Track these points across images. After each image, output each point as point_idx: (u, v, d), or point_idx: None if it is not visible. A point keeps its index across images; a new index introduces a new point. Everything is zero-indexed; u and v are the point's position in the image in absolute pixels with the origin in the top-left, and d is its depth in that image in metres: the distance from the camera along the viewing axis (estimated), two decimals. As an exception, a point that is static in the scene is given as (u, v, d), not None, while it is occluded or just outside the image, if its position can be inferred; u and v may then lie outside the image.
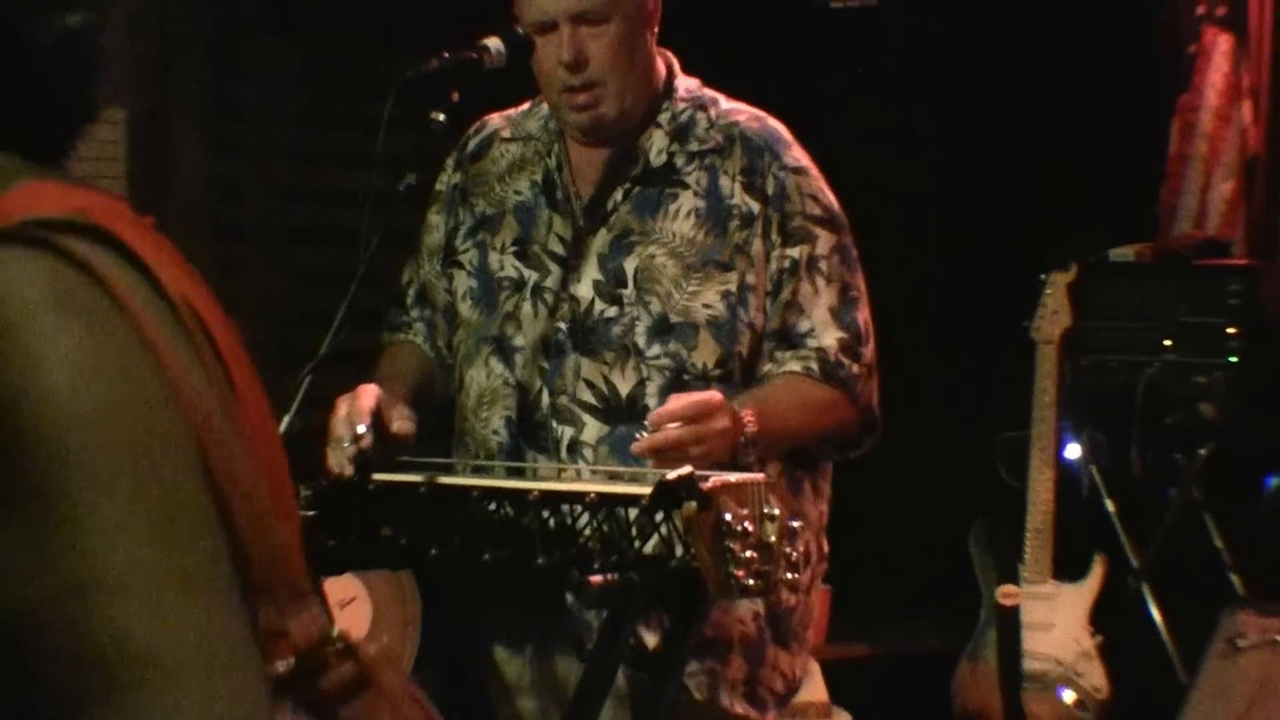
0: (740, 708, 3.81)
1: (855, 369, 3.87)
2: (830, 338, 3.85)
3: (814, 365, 3.84)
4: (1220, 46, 6.65)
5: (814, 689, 5.91)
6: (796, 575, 3.44)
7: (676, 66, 4.00)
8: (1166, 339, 6.26)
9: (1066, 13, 6.96)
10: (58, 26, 1.45)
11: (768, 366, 3.84)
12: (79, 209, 1.36)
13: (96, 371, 1.30)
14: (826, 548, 3.72)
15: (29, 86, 1.46)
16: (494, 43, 3.74)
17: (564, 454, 3.79)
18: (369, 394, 3.68)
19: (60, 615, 1.26)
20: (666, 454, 3.51)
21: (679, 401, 3.62)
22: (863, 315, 3.92)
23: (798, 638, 3.93)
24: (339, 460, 3.61)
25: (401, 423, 3.67)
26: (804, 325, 3.86)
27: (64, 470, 1.26)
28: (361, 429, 3.62)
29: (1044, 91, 7.04)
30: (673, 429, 3.55)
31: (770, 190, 3.86)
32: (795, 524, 3.37)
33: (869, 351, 3.92)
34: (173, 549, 1.30)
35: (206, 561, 1.33)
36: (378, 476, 3.60)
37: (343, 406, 3.69)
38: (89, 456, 1.28)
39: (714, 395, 3.66)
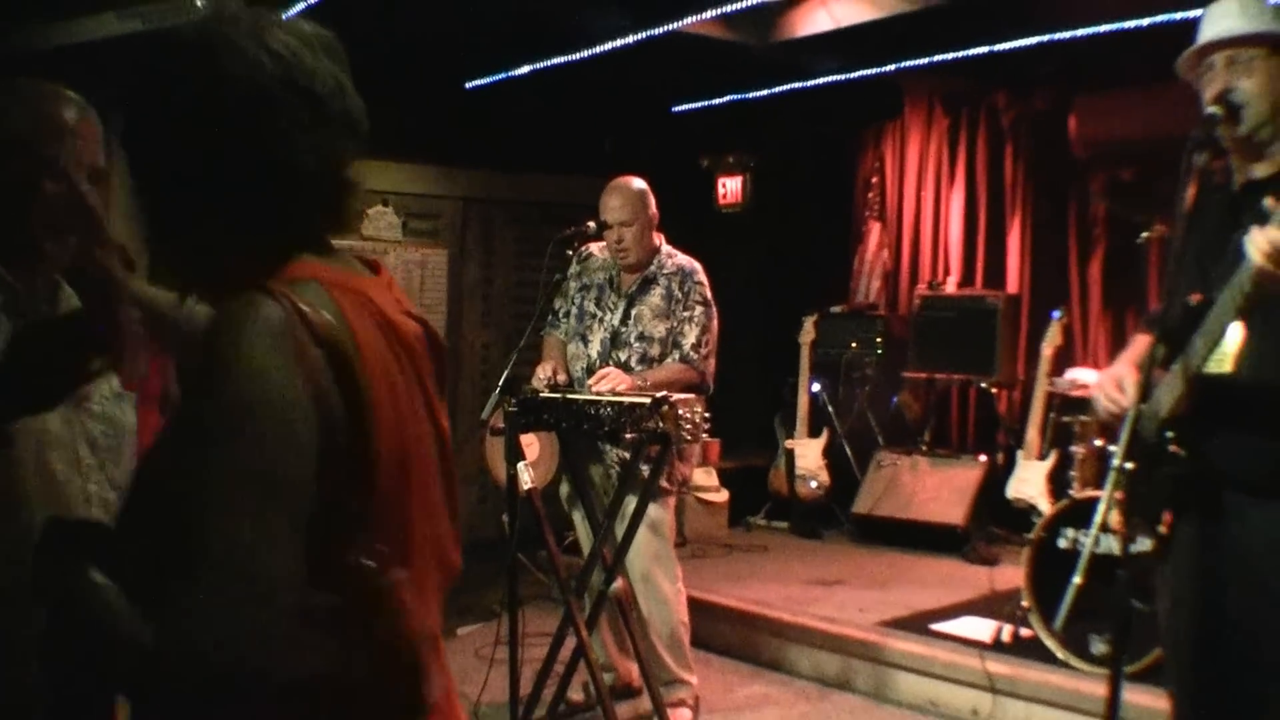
0: (666, 483, 3.69)
1: (695, 356, 3.75)
2: (688, 345, 3.75)
3: (676, 357, 3.76)
4: (875, 227, 6.69)
5: (711, 480, 6.02)
6: (706, 434, 3.54)
7: (664, 239, 3.89)
8: (853, 343, 6.32)
9: (825, 211, 6.93)
10: (321, 154, 1.12)
11: (668, 358, 3.78)
12: (313, 276, 1.12)
13: (259, 372, 1.03)
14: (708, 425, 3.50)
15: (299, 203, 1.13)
16: (592, 223, 3.76)
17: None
18: (551, 365, 3.79)
19: (183, 507, 1.01)
20: (602, 389, 3.56)
21: (596, 374, 3.66)
22: (706, 336, 3.78)
23: (685, 456, 3.79)
24: (539, 386, 3.67)
25: (561, 376, 3.77)
26: (683, 341, 3.76)
27: (218, 423, 1.02)
28: (550, 374, 3.73)
29: (811, 241, 6.95)
30: (603, 385, 3.57)
31: (686, 289, 3.79)
32: (708, 414, 3.45)
33: (706, 350, 3.77)
34: (258, 493, 1.00)
35: (279, 508, 1.01)
36: (542, 394, 3.57)
37: (541, 367, 3.79)
38: (232, 420, 1.01)
39: (609, 369, 3.67)
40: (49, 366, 1.36)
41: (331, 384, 1.07)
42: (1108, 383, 2.23)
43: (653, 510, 3.65)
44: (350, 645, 1.09)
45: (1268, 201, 1.91)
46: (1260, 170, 2.17)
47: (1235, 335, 2.09)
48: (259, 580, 0.99)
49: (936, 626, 4.34)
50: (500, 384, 3.42)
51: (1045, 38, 5.09)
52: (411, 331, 1.20)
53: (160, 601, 0.99)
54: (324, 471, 1.05)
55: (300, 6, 4.43)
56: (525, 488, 3.35)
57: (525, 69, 5.64)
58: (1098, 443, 4.39)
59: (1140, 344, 2.32)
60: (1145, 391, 2.10)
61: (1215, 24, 2.17)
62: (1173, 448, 2.10)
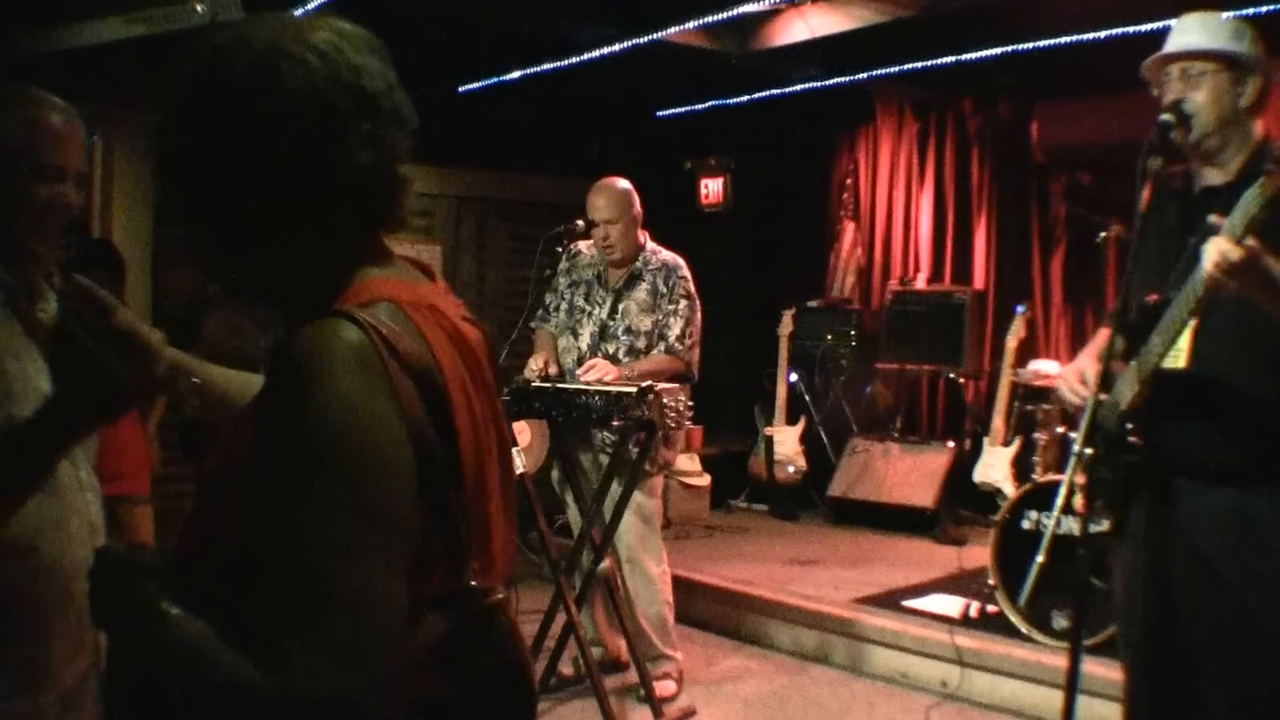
0: (648, 465, 3.60)
1: (680, 347, 3.71)
2: (673, 337, 3.72)
3: (662, 348, 3.72)
4: (849, 227, 6.67)
5: (694, 465, 5.99)
6: (690, 421, 3.55)
7: (648, 236, 3.85)
8: (828, 335, 6.27)
9: (802, 211, 6.91)
10: (360, 163, 1.03)
11: (654, 349, 3.75)
12: (389, 296, 1.03)
13: (353, 405, 0.93)
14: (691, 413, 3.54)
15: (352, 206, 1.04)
16: (580, 222, 3.73)
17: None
18: (543, 356, 3.75)
19: (283, 548, 0.91)
20: (590, 379, 3.54)
21: (585, 365, 3.62)
22: (690, 328, 3.75)
23: (669, 442, 3.71)
24: (531, 377, 3.65)
25: (553, 368, 3.72)
26: (669, 333, 3.73)
27: (316, 461, 0.92)
28: (542, 366, 3.70)
29: (789, 239, 6.94)
30: (590, 375, 3.54)
31: (670, 284, 3.76)
32: (691, 403, 3.46)
33: (690, 342, 3.73)
34: (365, 531, 0.91)
35: (387, 544, 0.93)
36: (534, 384, 3.55)
37: (534, 359, 3.76)
38: (331, 457, 0.92)
39: (597, 360, 3.63)
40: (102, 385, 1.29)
41: (424, 413, 0.99)
42: (1071, 375, 2.25)
43: (639, 495, 3.64)
44: (464, 669, 1.03)
45: (1212, 217, 1.94)
46: (1215, 177, 2.19)
47: (1189, 332, 2.10)
48: (377, 618, 0.91)
49: (908, 603, 4.35)
50: (493, 374, 3.44)
51: (1008, 49, 5.11)
52: (474, 338, 1.12)
53: (266, 645, 0.90)
54: (425, 499, 0.98)
55: (300, 13, 4.40)
56: (517, 472, 3.26)
57: (516, 74, 5.64)
58: (1059, 430, 4.41)
59: (1102, 338, 2.34)
60: (1105, 383, 2.12)
61: (1176, 37, 2.21)
62: (1132, 438, 2.12)
